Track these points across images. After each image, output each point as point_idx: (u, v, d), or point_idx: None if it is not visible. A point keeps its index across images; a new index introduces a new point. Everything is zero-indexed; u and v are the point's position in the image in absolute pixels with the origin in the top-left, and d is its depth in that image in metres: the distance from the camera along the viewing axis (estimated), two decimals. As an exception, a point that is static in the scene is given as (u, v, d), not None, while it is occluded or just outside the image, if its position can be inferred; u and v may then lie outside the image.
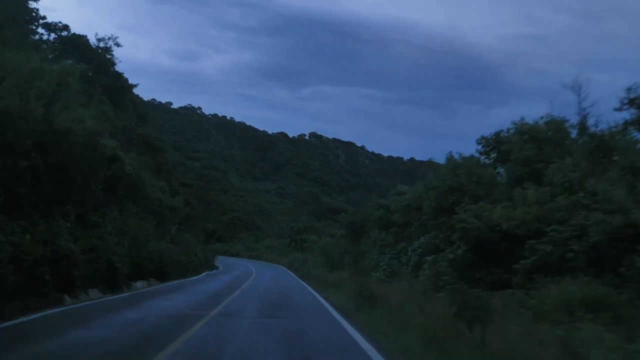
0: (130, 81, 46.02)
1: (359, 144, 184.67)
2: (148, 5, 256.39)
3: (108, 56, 40.71)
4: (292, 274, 42.02)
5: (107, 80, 39.92)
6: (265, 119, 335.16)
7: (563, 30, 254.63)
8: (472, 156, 19.95)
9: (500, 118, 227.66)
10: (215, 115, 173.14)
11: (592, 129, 16.55)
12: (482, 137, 20.40)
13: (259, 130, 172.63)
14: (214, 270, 43.40)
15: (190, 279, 29.76)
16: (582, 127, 17.19)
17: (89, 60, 38.76)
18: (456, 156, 20.10)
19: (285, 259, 56.28)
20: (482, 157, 20.39)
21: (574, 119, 17.54)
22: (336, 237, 42.38)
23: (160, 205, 29.81)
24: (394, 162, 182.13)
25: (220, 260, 54.87)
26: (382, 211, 29.07)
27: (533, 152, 17.20)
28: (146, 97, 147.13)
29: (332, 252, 33.80)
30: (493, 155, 20.17)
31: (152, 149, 40.24)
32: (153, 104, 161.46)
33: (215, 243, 74.66)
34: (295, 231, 64.31)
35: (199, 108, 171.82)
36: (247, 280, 29.59)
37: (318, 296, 20.86)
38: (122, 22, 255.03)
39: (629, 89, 15.43)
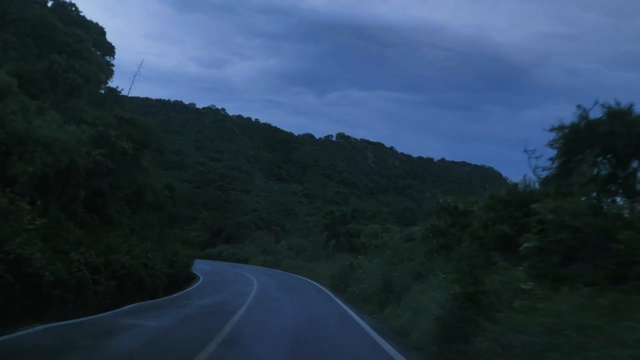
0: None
1: (387, 145, 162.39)
2: (175, 14, 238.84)
3: None
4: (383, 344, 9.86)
5: None
6: (291, 124, 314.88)
7: (593, 29, 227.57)
8: None
9: (530, 119, 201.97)
10: (239, 116, 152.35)
11: None
12: None
13: (284, 131, 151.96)
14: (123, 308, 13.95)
15: None
16: None
17: None
18: None
19: (319, 267, 30.18)
20: None
21: None
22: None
23: None
24: (424, 163, 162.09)
25: (214, 270, 32.14)
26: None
27: None
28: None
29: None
30: None
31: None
32: (177, 105, 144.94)
33: (221, 244, 52.11)
34: (337, 218, 33.72)
35: (223, 109, 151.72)
36: None
37: None
38: (150, 32, 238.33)
39: None
